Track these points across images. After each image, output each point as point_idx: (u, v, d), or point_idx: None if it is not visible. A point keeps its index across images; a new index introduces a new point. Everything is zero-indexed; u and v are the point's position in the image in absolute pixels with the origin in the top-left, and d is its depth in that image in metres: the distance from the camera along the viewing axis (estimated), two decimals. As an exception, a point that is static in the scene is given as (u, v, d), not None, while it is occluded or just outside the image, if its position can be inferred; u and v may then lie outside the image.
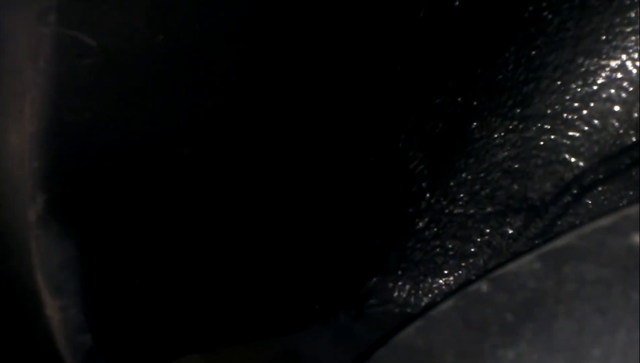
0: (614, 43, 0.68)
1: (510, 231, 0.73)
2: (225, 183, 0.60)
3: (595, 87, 0.69)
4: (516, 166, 0.71)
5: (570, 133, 0.70)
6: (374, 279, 0.74)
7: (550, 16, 0.67)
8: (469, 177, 0.72)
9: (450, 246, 0.74)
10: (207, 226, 0.60)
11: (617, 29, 0.67)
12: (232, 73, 0.54)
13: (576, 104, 0.70)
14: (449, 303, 0.37)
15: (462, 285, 0.67)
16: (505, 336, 0.35)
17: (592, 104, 0.69)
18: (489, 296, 0.36)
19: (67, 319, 0.48)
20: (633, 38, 0.66)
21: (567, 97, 0.70)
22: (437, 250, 0.74)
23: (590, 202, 0.70)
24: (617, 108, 0.68)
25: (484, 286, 0.36)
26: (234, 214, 0.62)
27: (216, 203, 0.59)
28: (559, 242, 0.37)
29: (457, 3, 0.64)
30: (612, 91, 0.68)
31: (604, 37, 0.68)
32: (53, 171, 0.45)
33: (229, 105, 0.56)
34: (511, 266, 0.36)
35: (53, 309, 0.46)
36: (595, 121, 0.69)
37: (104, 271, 0.53)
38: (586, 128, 0.69)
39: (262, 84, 0.58)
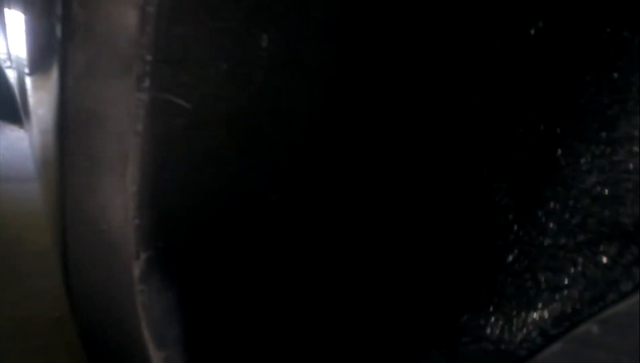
0: (701, 57, 0.65)
1: (605, 260, 0.70)
2: (312, 228, 0.60)
3: (684, 104, 0.66)
4: (606, 191, 0.69)
5: (659, 156, 0.68)
6: (466, 316, 0.73)
7: (629, 36, 0.65)
8: (558, 206, 0.70)
9: (542, 278, 0.72)
10: (298, 273, 0.60)
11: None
12: (310, 125, 0.55)
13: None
14: (557, 346, 0.36)
15: (557, 319, 0.65)
16: None
17: (682, 122, 0.66)
18: (600, 338, 0.34)
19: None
20: None
21: (657, 117, 0.67)
22: (529, 283, 0.72)
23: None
24: None
25: (594, 327, 0.35)
26: (324, 258, 0.63)
27: (307, 248, 0.60)
28: (618, 308, 0.36)
29: (532, 32, 0.64)
30: None
31: (689, 53, 0.66)
32: (154, 227, 0.47)
33: (308, 156, 0.57)
34: (620, 306, 0.35)
35: (159, 360, 0.47)
36: (687, 139, 0.66)
37: (204, 319, 0.54)
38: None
39: (340, 130, 0.59)
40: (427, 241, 0.69)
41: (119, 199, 0.43)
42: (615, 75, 0.66)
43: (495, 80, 0.64)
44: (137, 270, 0.45)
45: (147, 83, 0.45)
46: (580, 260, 0.71)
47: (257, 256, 0.57)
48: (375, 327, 0.70)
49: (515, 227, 0.71)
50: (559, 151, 0.69)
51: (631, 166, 0.68)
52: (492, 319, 0.72)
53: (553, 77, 0.66)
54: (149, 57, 0.44)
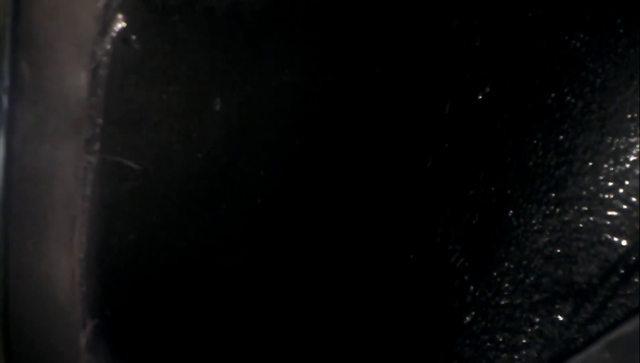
0: (640, 120, 0.68)
1: (561, 319, 0.71)
2: (266, 294, 0.59)
3: (627, 165, 0.69)
4: (558, 250, 0.70)
5: (609, 213, 0.69)
6: (425, 380, 0.72)
7: (573, 100, 0.68)
8: (512, 266, 0.71)
9: (500, 339, 0.72)
10: (251, 340, 0.59)
11: (641, 107, 0.67)
12: (264, 189, 0.55)
13: (610, 184, 0.69)
14: None
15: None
16: None
17: (626, 182, 0.69)
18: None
19: None
20: (659, 114, 0.66)
21: (601, 178, 0.69)
22: (488, 344, 0.72)
23: (639, 281, 0.69)
24: (653, 183, 0.68)
25: (605, 354, 0.34)
26: (275, 323, 0.61)
27: (258, 314, 0.59)
28: (625, 329, 0.36)
29: (480, 97, 0.66)
30: (647, 166, 0.68)
31: (629, 116, 0.68)
32: (102, 294, 0.45)
33: (262, 220, 0.57)
34: (581, 357, 0.35)
35: None
36: (633, 199, 0.68)
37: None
38: (624, 206, 0.69)
39: (296, 189, 0.59)
40: (379, 306, 0.69)
41: (66, 266, 0.41)
42: (561, 138, 0.69)
43: (446, 143, 0.66)
44: (83, 339, 0.43)
45: (96, 146, 0.44)
46: (536, 319, 0.71)
47: (209, 324, 0.56)
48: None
49: (472, 288, 0.71)
50: (510, 212, 0.70)
51: (581, 225, 0.70)
52: (452, 383, 0.72)
53: (501, 141, 0.68)
54: (99, 120, 0.44)
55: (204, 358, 0.55)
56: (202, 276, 0.54)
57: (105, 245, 0.45)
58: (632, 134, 0.69)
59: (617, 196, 0.69)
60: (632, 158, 0.70)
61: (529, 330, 0.72)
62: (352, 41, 0.61)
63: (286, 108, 0.55)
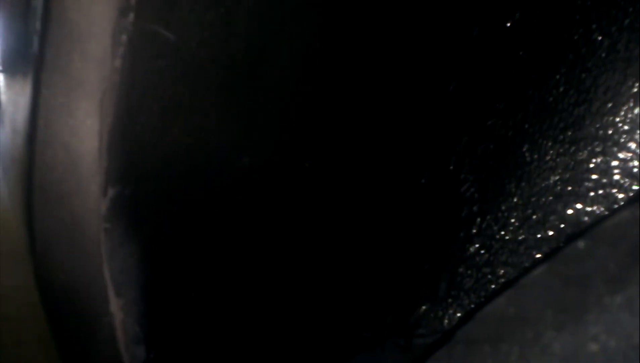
0: (664, 65, 0.68)
1: (564, 257, 0.71)
2: (281, 197, 0.59)
3: (646, 110, 0.69)
4: (569, 188, 0.70)
5: (622, 155, 0.70)
6: (423, 307, 0.72)
7: (599, 38, 0.67)
8: (521, 201, 0.71)
9: (501, 272, 0.72)
10: (264, 239, 0.58)
11: (667, 51, 0.67)
12: (294, 81, 0.54)
13: (627, 127, 0.69)
14: (542, 267, 0.35)
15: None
16: (611, 285, 0.33)
17: (644, 126, 0.69)
18: (587, 252, 0.34)
19: (127, 321, 0.46)
20: (685, 59, 0.66)
21: (618, 120, 0.69)
22: (489, 276, 0.72)
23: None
24: (670, 129, 0.68)
25: (580, 243, 0.35)
26: (290, 228, 0.61)
27: (273, 216, 0.58)
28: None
29: (509, 24, 0.65)
30: (665, 111, 0.68)
31: (653, 60, 0.68)
32: (124, 165, 0.45)
33: (289, 117, 0.56)
34: (609, 221, 0.35)
35: (117, 306, 0.44)
36: (648, 143, 0.68)
37: (165, 278, 0.51)
38: (639, 151, 0.69)
39: (320, 96, 0.58)
40: (387, 226, 0.68)
41: (93, 127, 0.40)
42: (584, 75, 0.68)
43: (470, 69, 0.65)
44: (103, 207, 0.42)
45: (132, 14, 0.43)
46: (539, 256, 0.71)
47: (224, 221, 0.55)
48: (327, 313, 0.69)
49: (479, 220, 0.71)
50: (525, 147, 0.70)
51: (592, 165, 0.70)
52: (450, 312, 0.72)
53: (525, 72, 0.67)
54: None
55: (216, 257, 0.55)
56: (220, 171, 0.53)
57: (132, 119, 0.44)
58: (655, 79, 0.69)
59: (633, 139, 0.69)
60: (651, 103, 0.69)
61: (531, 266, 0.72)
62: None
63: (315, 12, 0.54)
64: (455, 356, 0.36)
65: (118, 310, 0.44)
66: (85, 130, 0.41)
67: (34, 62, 0.39)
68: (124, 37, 0.41)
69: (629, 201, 0.36)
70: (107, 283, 0.43)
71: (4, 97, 0.72)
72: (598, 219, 0.59)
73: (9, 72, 0.59)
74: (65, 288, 0.44)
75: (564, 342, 0.32)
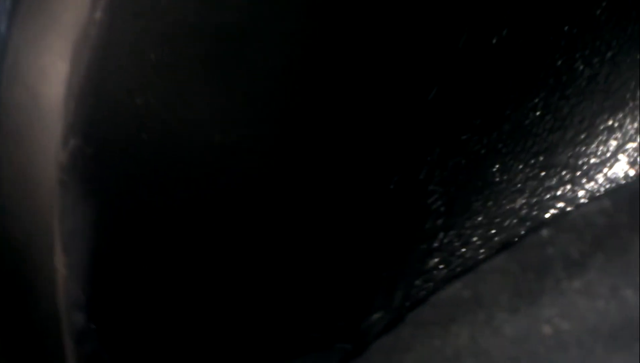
0: (638, 102, 0.69)
1: (521, 281, 0.71)
2: (244, 183, 0.57)
3: (619, 142, 0.69)
4: (534, 214, 0.70)
5: (589, 187, 0.70)
6: (376, 315, 0.71)
7: (581, 67, 0.68)
8: (485, 221, 0.71)
9: (458, 289, 0.71)
10: (221, 222, 0.56)
11: (645, 89, 0.68)
12: (278, 66, 0.53)
13: (597, 160, 0.70)
14: (502, 254, 0.35)
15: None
16: (571, 269, 0.33)
17: (613, 160, 0.69)
18: (549, 239, 0.34)
19: (69, 282, 0.44)
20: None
21: (590, 151, 0.70)
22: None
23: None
24: (637, 166, 0.69)
25: (544, 232, 0.34)
26: (248, 218, 0.59)
27: (233, 200, 0.56)
28: (632, 185, 0.36)
29: (494, 40, 0.65)
30: (635, 147, 0.68)
31: (629, 95, 0.69)
32: (90, 121, 0.42)
33: (266, 102, 0.55)
34: (575, 212, 0.35)
35: (61, 263, 0.42)
36: (616, 177, 0.69)
37: (116, 249, 0.49)
38: (606, 184, 0.69)
39: (301, 86, 0.57)
40: (349, 227, 0.67)
41: (64, 70, 0.38)
42: (562, 102, 0.68)
43: (452, 79, 0.65)
44: (62, 157, 0.40)
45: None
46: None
47: (185, 197, 0.53)
48: (278, 309, 0.67)
49: (442, 234, 0.70)
50: (496, 167, 0.70)
51: (559, 193, 0.70)
52: (403, 322, 0.71)
53: (505, 91, 0.67)
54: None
55: (167, 236, 0.53)
56: (191, 143, 0.51)
57: (104, 74, 0.42)
58: (629, 115, 0.69)
59: (601, 172, 0.70)
60: (621, 140, 0.70)
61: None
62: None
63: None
64: (402, 338, 0.35)
65: (62, 267, 0.41)
66: (54, 73, 0.39)
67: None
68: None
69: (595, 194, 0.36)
70: (55, 238, 0.41)
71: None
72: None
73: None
74: (10, 235, 0.41)
75: (517, 324, 0.31)
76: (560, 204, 0.70)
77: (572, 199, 0.69)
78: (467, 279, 0.35)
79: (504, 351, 0.32)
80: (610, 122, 0.67)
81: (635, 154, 0.68)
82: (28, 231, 0.41)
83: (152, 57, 0.46)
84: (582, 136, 0.68)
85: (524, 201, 0.70)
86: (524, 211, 0.70)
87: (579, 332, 0.30)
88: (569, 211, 0.35)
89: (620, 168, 0.68)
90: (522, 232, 0.70)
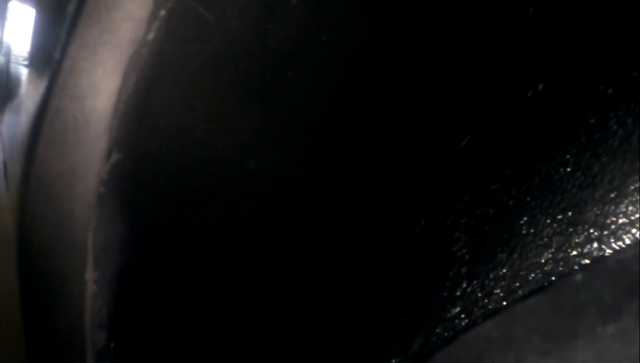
0: (672, 166, 0.69)
1: (543, 337, 0.70)
2: (277, 211, 0.57)
3: (646, 207, 0.69)
4: (559, 269, 0.69)
5: (616, 246, 0.69)
6: (394, 360, 0.70)
7: (615, 127, 0.68)
8: (509, 273, 0.70)
9: (478, 341, 0.70)
10: (254, 247, 0.57)
11: (678, 153, 0.68)
12: (316, 96, 0.54)
13: (626, 220, 0.69)
14: (535, 296, 0.34)
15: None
16: (605, 315, 0.32)
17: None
18: (583, 283, 0.33)
19: (97, 300, 0.44)
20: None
21: (619, 211, 0.69)
22: (465, 342, 0.70)
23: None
24: (666, 230, 0.68)
25: (578, 276, 0.34)
26: (276, 247, 0.59)
27: (267, 228, 0.57)
28: None
29: (530, 93, 0.66)
30: (665, 212, 0.68)
31: (662, 158, 0.69)
32: (133, 138, 0.43)
33: (303, 131, 0.55)
34: (610, 257, 0.34)
35: (92, 277, 0.42)
36: (643, 239, 0.68)
37: (146, 269, 0.49)
38: (633, 245, 0.69)
39: (337, 120, 0.58)
40: (376, 274, 0.67)
41: (115, 85, 0.39)
42: (593, 160, 0.68)
43: (485, 128, 0.65)
44: (103, 169, 0.41)
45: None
46: (519, 331, 0.70)
47: (219, 222, 0.54)
48: (299, 348, 0.66)
49: (465, 283, 0.70)
50: (524, 219, 0.70)
51: (586, 251, 0.70)
52: (420, 371, 0.70)
53: (537, 144, 0.67)
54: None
55: (203, 252, 0.53)
56: (227, 169, 0.52)
57: (152, 93, 0.43)
58: (660, 178, 0.69)
59: (629, 232, 0.69)
60: (651, 202, 0.70)
61: (508, 340, 0.70)
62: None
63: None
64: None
65: (92, 282, 0.42)
66: (105, 87, 0.40)
67: (73, 9, 0.39)
68: (162, 12, 0.41)
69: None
70: (89, 251, 0.41)
71: (24, 91, 0.70)
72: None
73: (35, 67, 0.57)
74: (48, 243, 0.41)
75: (548, 366, 0.31)
76: (586, 262, 0.69)
77: (598, 259, 0.68)
78: (497, 319, 0.35)
79: (534, 393, 0.31)
80: (639, 185, 0.67)
81: (665, 217, 0.67)
82: (64, 242, 0.42)
83: (198, 81, 0.48)
84: (612, 195, 0.68)
85: (549, 255, 0.69)
86: (549, 266, 0.70)
87: (613, 376, 0.29)
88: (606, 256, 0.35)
89: (649, 230, 0.67)
90: (546, 287, 0.69)
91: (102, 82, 0.40)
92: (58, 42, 0.39)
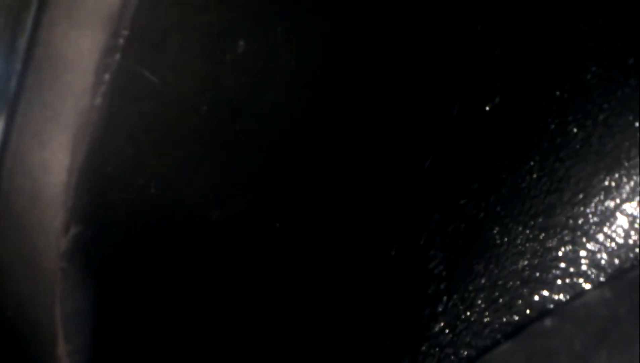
0: (633, 161, 0.70)
1: (528, 344, 0.70)
2: (246, 255, 0.57)
3: (614, 204, 0.70)
4: (536, 275, 0.70)
5: (590, 246, 0.70)
6: (383, 384, 0.70)
7: (574, 130, 0.69)
8: (488, 283, 0.71)
9: (464, 354, 0.71)
10: (225, 295, 0.57)
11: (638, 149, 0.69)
12: (275, 138, 0.54)
13: (596, 219, 0.70)
14: (507, 344, 0.35)
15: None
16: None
17: (612, 219, 0.70)
18: (553, 329, 0.34)
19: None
20: (654, 157, 0.68)
21: (589, 211, 0.70)
22: (452, 357, 0.71)
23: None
24: (637, 225, 0.69)
25: (547, 321, 0.34)
26: (251, 287, 0.60)
27: (236, 273, 0.57)
28: (631, 274, 0.36)
29: (488, 108, 0.66)
30: (633, 206, 0.69)
31: (623, 155, 0.70)
32: (90, 207, 0.43)
33: (264, 175, 0.56)
34: (577, 300, 0.35)
35: (64, 351, 0.42)
36: (616, 236, 0.69)
37: (118, 330, 0.49)
38: (607, 243, 0.69)
39: (298, 159, 0.58)
40: (352, 296, 0.67)
41: (65, 161, 0.40)
42: (557, 164, 0.69)
43: (447, 147, 0.66)
44: (63, 244, 0.41)
45: (117, 54, 0.43)
46: (504, 340, 0.70)
47: (187, 275, 0.54)
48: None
49: (445, 298, 0.70)
50: (496, 229, 0.70)
51: (561, 254, 0.70)
52: (409, 391, 0.70)
53: (500, 156, 0.68)
54: (124, 32, 0.43)
55: (172, 309, 0.53)
56: (190, 222, 0.52)
57: (104, 159, 0.43)
58: (624, 175, 0.70)
59: (601, 231, 0.70)
60: (618, 199, 0.71)
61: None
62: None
63: (308, 70, 0.54)
64: None
65: (65, 356, 0.42)
66: (55, 163, 0.40)
67: (14, 89, 0.39)
68: (107, 76, 0.41)
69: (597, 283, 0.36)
70: (57, 325, 0.41)
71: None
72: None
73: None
74: (13, 325, 0.42)
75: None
76: (562, 265, 0.70)
77: (573, 260, 0.69)
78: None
79: None
80: (606, 183, 0.68)
81: (635, 213, 0.68)
82: (31, 319, 0.42)
83: (150, 138, 0.48)
84: (580, 197, 0.69)
85: (525, 262, 0.70)
86: (526, 273, 0.70)
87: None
88: (571, 300, 0.36)
89: (620, 227, 0.68)
90: (526, 293, 0.70)
91: (52, 159, 0.40)
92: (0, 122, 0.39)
